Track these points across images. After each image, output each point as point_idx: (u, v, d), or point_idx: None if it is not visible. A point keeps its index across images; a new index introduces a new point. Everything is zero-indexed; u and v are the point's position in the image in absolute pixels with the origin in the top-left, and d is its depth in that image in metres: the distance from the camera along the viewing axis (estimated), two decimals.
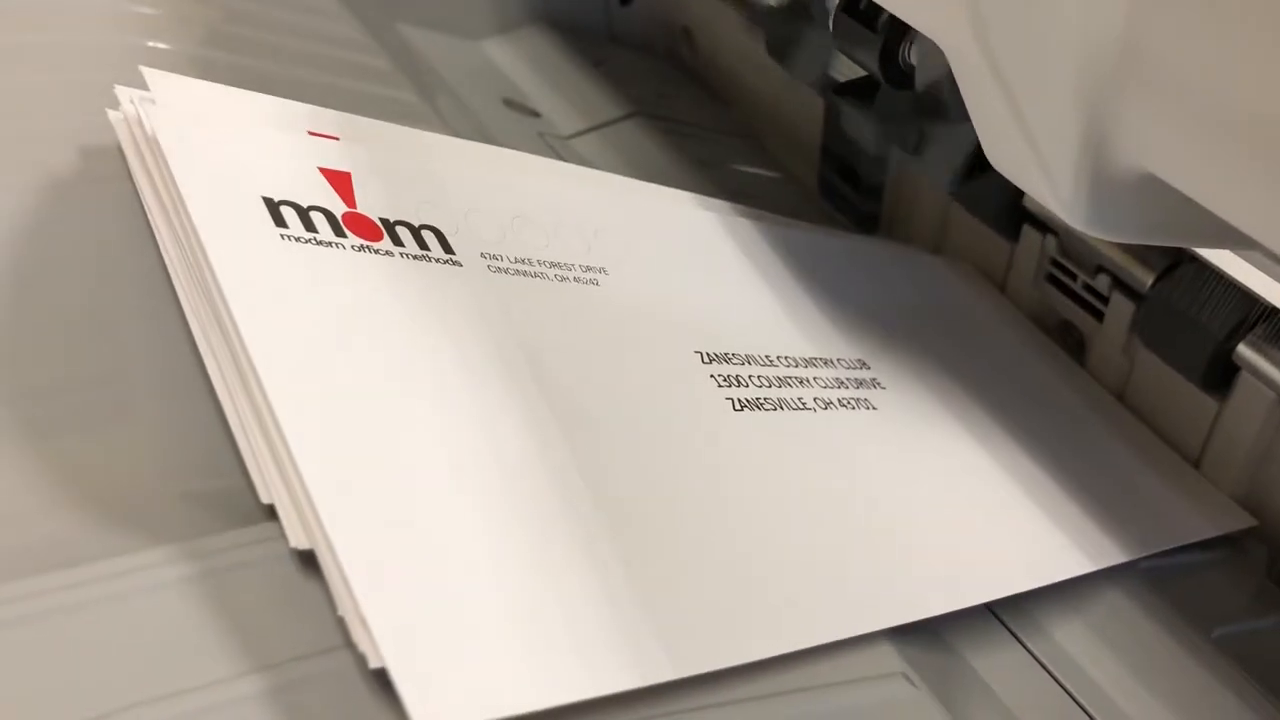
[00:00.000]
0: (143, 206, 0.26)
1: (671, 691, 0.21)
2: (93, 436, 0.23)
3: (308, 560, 0.21)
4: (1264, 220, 0.20)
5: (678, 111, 0.46)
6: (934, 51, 0.25)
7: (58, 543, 0.21)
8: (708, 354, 0.28)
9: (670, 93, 0.47)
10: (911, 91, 0.29)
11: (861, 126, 0.36)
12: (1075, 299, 0.35)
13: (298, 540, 0.21)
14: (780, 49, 0.39)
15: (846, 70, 0.37)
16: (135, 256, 0.26)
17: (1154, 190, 0.22)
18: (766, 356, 0.29)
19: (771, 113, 0.45)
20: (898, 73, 0.29)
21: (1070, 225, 0.24)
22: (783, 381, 0.29)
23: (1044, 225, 0.35)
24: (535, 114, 0.43)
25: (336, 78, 0.37)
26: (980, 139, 0.25)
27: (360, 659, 0.19)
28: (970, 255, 0.39)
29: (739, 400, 0.27)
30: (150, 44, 0.34)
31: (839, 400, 0.29)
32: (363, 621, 0.19)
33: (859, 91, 0.35)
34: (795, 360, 0.30)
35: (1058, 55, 0.22)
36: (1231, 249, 0.28)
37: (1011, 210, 0.35)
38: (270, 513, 0.22)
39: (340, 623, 0.20)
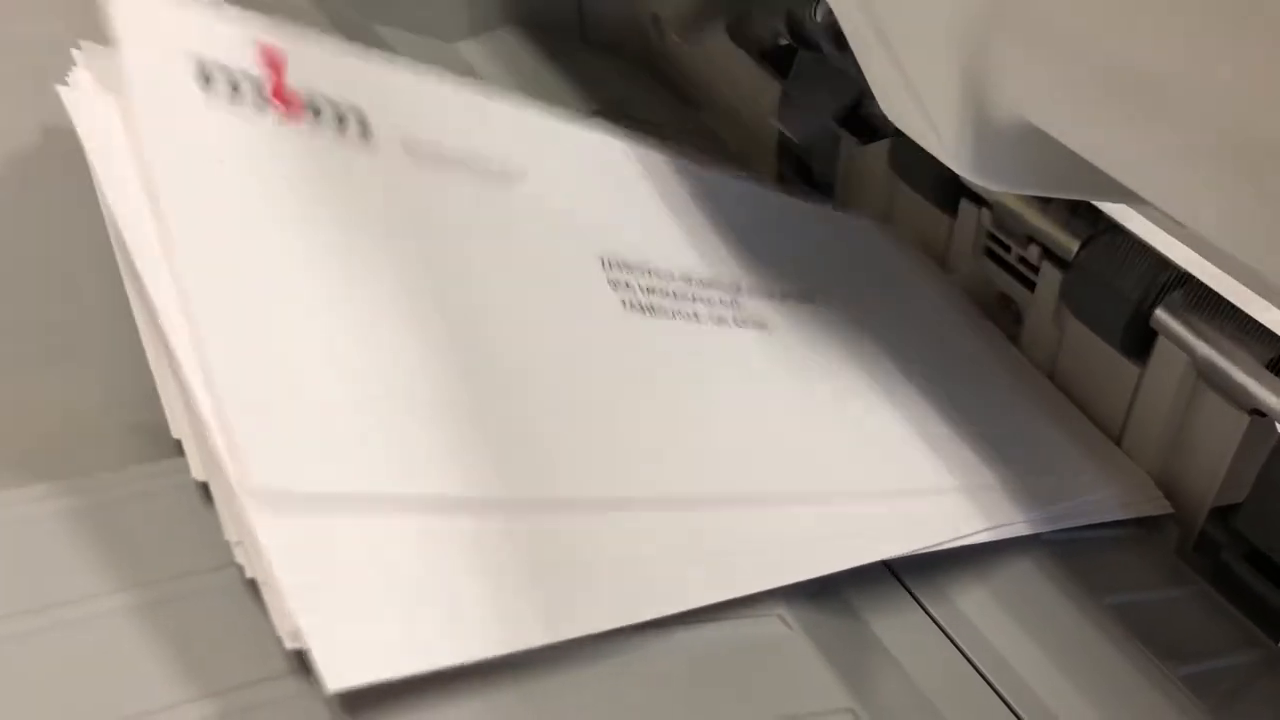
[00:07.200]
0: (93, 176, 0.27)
1: None
2: (38, 375, 0.24)
3: (208, 493, 0.22)
4: (1135, 169, 0.21)
5: (643, 111, 0.47)
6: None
7: None
8: (610, 261, 0.29)
9: (637, 93, 0.48)
10: (819, 52, 0.29)
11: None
12: (1010, 271, 0.35)
13: (198, 472, 0.22)
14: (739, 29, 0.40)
15: None
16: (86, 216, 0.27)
17: (1037, 140, 0.23)
18: (670, 273, 0.30)
19: (733, 110, 0.46)
20: (803, 34, 0.30)
21: (960, 174, 0.24)
22: (678, 296, 0.29)
23: (979, 198, 0.35)
24: None
25: None
26: (874, 93, 0.25)
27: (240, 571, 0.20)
28: (914, 236, 0.40)
29: (629, 302, 0.28)
30: None
31: (735, 319, 0.30)
32: (244, 528, 0.20)
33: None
34: (696, 280, 0.30)
35: (930, 4, 0.22)
36: (1118, 202, 0.29)
37: (949, 183, 0.35)
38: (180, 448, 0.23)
39: (226, 546, 0.21)
